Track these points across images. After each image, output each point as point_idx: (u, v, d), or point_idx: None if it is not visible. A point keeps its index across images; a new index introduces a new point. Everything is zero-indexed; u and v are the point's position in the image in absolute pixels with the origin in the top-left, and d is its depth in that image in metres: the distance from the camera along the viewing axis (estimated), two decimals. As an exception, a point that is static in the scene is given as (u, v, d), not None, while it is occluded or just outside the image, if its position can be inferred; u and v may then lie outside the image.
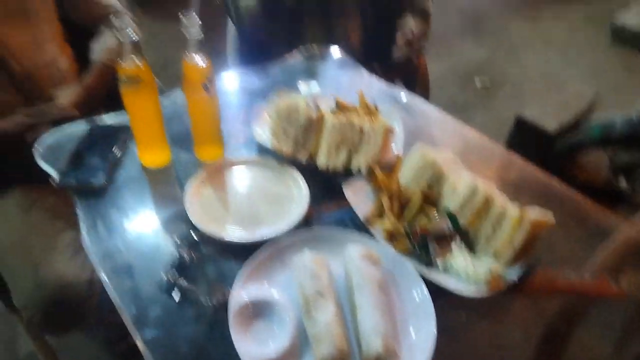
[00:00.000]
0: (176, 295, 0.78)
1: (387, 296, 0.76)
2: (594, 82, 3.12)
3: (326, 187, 0.99)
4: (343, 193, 0.93)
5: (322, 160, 1.00)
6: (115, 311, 0.77)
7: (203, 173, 0.97)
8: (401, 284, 0.80)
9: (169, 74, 2.76)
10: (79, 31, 1.45)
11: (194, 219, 0.88)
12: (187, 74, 0.90)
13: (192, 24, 0.85)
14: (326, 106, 1.12)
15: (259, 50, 1.59)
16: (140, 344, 0.72)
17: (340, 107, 1.13)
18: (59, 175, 0.96)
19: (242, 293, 0.75)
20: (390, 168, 1.00)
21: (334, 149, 1.01)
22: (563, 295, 0.88)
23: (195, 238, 0.86)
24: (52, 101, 1.26)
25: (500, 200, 0.86)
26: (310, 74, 1.36)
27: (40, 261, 1.12)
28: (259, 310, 0.74)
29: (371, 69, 1.54)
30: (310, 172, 0.99)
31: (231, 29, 1.73)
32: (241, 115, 1.20)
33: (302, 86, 1.28)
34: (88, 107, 1.34)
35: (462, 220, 0.86)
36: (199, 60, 0.89)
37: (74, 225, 1.18)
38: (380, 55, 1.62)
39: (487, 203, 0.85)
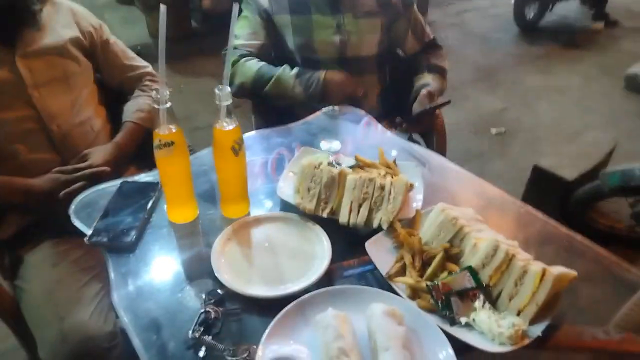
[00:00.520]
0: (201, 352, 0.79)
1: (411, 355, 0.76)
2: (609, 129, 3.14)
3: (348, 243, 1.01)
4: (365, 249, 0.95)
5: (343, 217, 1.02)
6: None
7: (229, 230, 1.01)
8: (425, 342, 0.80)
9: (193, 126, 2.89)
10: (115, 94, 1.55)
11: (220, 275, 0.90)
12: (217, 139, 0.95)
13: (223, 93, 0.91)
14: (347, 163, 1.17)
15: (282, 111, 1.66)
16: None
17: (360, 164, 1.17)
18: (92, 234, 1.01)
19: (267, 351, 0.77)
20: (411, 224, 1.02)
21: (355, 206, 1.04)
22: (589, 352, 0.87)
23: (221, 294, 0.88)
24: (85, 159, 1.32)
25: (522, 257, 0.87)
26: (332, 132, 1.41)
27: (66, 314, 1.15)
28: (284, 369, 0.75)
29: (391, 124, 1.60)
30: (333, 228, 1.02)
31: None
32: (266, 172, 1.24)
33: (324, 144, 1.33)
34: (119, 164, 1.41)
35: (484, 277, 0.87)
36: (228, 125, 0.95)
37: (99, 277, 1.23)
38: (399, 111, 1.68)
39: (509, 259, 0.86)
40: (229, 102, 0.93)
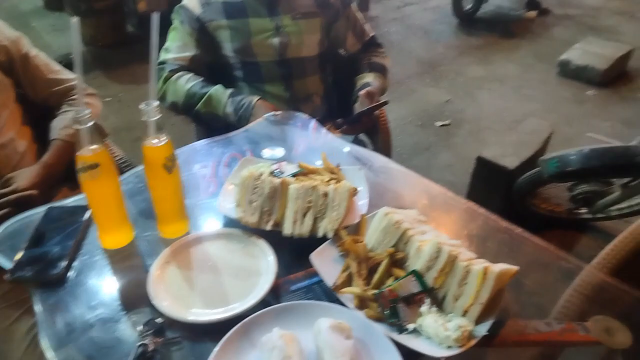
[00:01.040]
0: (141, 388, 0.74)
1: (360, 368, 0.75)
2: (547, 116, 3.28)
3: (295, 254, 0.98)
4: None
5: (288, 228, 1.00)
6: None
7: (166, 252, 0.96)
8: (374, 353, 0.79)
9: (134, 137, 2.76)
10: (41, 110, 1.45)
11: (158, 302, 0.85)
12: (147, 156, 0.90)
13: (150, 109, 0.86)
14: (290, 171, 1.14)
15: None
16: None
17: (304, 171, 1.15)
18: (13, 269, 0.93)
19: (211, 380, 0.73)
20: (356, 230, 1.01)
21: (299, 216, 1.01)
22: (534, 345, 0.89)
23: (160, 323, 0.83)
24: (9, 184, 1.23)
25: (465, 257, 0.87)
26: (275, 139, 1.38)
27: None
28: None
29: (335, 125, 1.58)
30: (278, 240, 0.99)
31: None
32: (206, 187, 1.19)
33: (267, 152, 1.30)
34: (48, 185, 1.32)
35: (429, 280, 0.87)
36: (158, 141, 0.89)
37: (32, 311, 1.14)
38: (343, 111, 1.67)
39: (452, 261, 0.86)
40: (158, 117, 0.88)
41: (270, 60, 1.63)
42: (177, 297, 0.88)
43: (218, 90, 1.53)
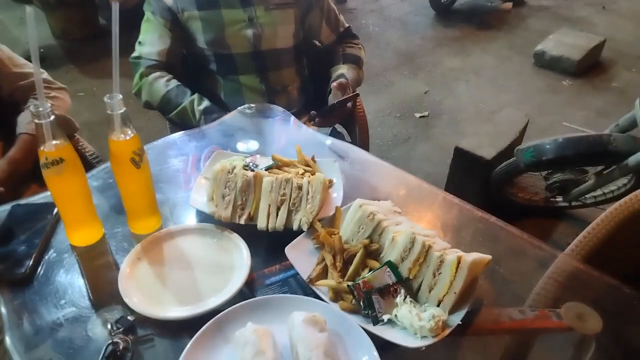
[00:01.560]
0: (113, 388, 0.73)
1: (335, 361, 0.74)
2: (522, 106, 3.32)
3: (270, 248, 0.97)
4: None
5: (262, 222, 0.98)
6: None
7: (137, 248, 0.93)
8: (349, 345, 0.79)
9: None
10: (7, 106, 1.40)
11: (129, 299, 0.83)
12: (113, 151, 0.87)
13: (115, 102, 0.83)
14: (264, 164, 1.12)
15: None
16: None
17: (278, 164, 1.13)
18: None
19: (184, 378, 0.71)
20: (331, 222, 1.00)
21: (273, 209, 1.00)
22: (507, 333, 0.89)
23: (131, 320, 0.81)
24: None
25: (439, 247, 0.87)
26: (249, 132, 1.36)
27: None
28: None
29: (310, 118, 1.57)
30: (252, 234, 0.98)
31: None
32: (179, 181, 1.17)
33: (241, 145, 1.28)
34: (15, 182, 1.28)
35: (404, 270, 0.87)
36: (124, 135, 0.87)
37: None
38: (320, 104, 1.66)
39: (426, 251, 0.86)
40: (122, 110, 0.86)
41: (245, 52, 1.60)
42: (149, 294, 0.86)
43: (193, 103, 1.50)
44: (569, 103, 3.41)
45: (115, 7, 0.80)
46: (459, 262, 0.82)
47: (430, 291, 0.85)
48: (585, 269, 1.01)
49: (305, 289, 0.89)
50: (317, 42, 1.83)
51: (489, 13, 4.85)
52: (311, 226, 0.97)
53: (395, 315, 0.81)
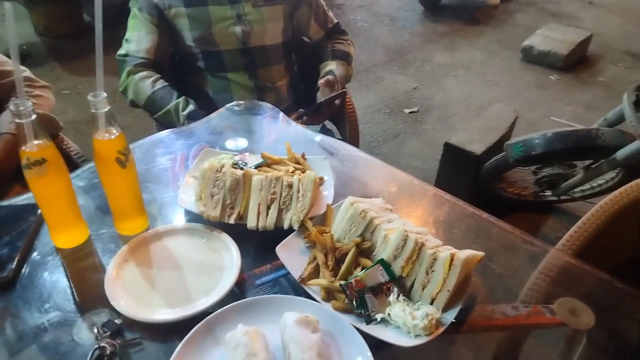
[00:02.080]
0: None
1: (328, 362, 0.73)
2: (511, 101, 3.33)
3: (260, 248, 0.96)
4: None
5: (251, 221, 0.97)
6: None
7: (124, 250, 0.91)
8: (342, 345, 0.77)
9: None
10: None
11: (116, 302, 0.81)
12: (98, 151, 0.85)
13: (99, 100, 0.81)
14: (254, 162, 1.11)
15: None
16: None
17: (268, 162, 1.12)
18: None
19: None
20: (323, 221, 0.99)
21: (263, 208, 0.98)
22: (501, 330, 0.89)
23: (118, 324, 0.79)
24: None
25: (432, 244, 0.86)
26: (238, 129, 1.34)
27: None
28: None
29: (298, 116, 1.55)
30: (242, 234, 0.96)
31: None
32: (166, 180, 1.15)
33: (230, 143, 1.26)
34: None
35: (396, 269, 0.86)
36: (109, 134, 0.85)
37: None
38: (309, 100, 1.64)
39: (419, 248, 0.85)
40: (107, 108, 0.83)
41: (233, 49, 1.58)
42: (137, 296, 0.84)
43: (178, 107, 1.48)
44: (557, 98, 3.43)
45: (98, 4, 0.77)
46: (452, 260, 0.82)
47: (423, 289, 0.84)
48: (577, 264, 1.01)
49: (297, 288, 0.87)
50: (305, 39, 1.81)
51: (477, 8, 4.86)
52: (302, 225, 0.96)
53: (389, 314, 0.81)
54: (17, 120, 0.78)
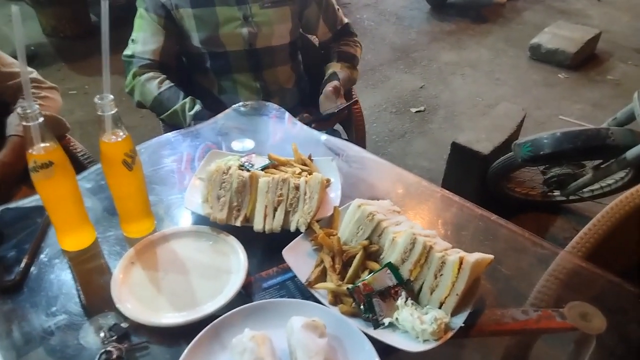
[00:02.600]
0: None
1: (335, 367, 0.73)
2: (519, 100, 3.31)
3: (267, 250, 0.95)
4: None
5: (258, 224, 0.96)
6: None
7: (130, 252, 0.91)
8: (349, 349, 0.77)
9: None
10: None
11: (122, 306, 0.81)
12: (105, 153, 0.85)
13: (106, 102, 0.81)
14: (261, 163, 1.10)
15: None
16: None
17: (274, 163, 1.11)
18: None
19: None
20: (330, 223, 0.98)
21: (270, 210, 0.98)
22: (511, 334, 0.88)
23: (125, 328, 0.79)
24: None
25: (440, 247, 0.85)
26: (244, 130, 1.33)
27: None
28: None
29: (303, 122, 1.55)
30: (249, 236, 0.95)
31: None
32: (173, 182, 1.15)
33: (236, 144, 1.25)
34: (6, 184, 1.25)
35: (405, 272, 0.85)
36: (116, 136, 0.84)
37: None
38: (315, 101, 1.63)
39: (427, 251, 0.84)
40: (114, 111, 0.83)
41: (239, 50, 1.57)
42: (143, 300, 0.84)
43: (184, 107, 1.48)
44: (565, 96, 3.40)
45: (105, 5, 0.77)
46: (461, 263, 0.81)
47: (431, 293, 0.83)
48: (587, 267, 0.99)
49: (304, 292, 0.87)
50: (313, 39, 1.80)
51: (484, 6, 4.82)
52: (309, 227, 0.95)
53: (397, 319, 0.80)
54: (24, 123, 0.78)
